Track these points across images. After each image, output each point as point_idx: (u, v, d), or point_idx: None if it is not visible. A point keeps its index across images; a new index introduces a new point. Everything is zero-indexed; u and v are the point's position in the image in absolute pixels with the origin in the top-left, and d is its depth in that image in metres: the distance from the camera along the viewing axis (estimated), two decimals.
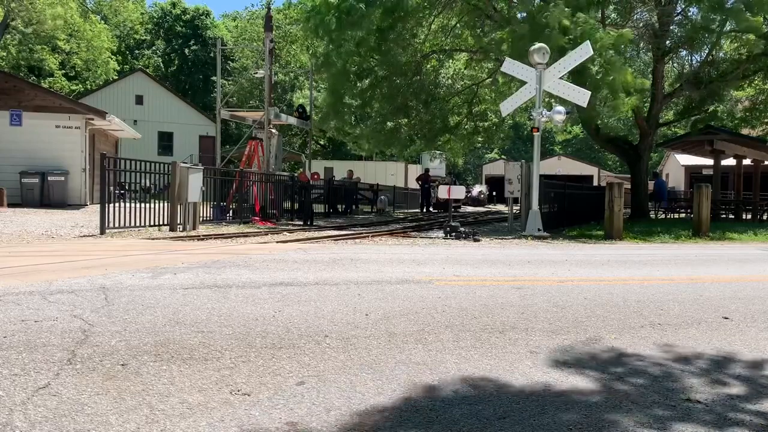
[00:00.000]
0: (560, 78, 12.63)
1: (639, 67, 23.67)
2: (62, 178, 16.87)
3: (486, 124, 23.23)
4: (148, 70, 43.06)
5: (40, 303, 4.18)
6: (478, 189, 41.15)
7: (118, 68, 45.60)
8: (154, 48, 54.26)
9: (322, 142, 45.41)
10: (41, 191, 16.64)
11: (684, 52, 20.97)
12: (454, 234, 11.92)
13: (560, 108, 12.85)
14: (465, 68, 23.01)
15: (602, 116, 13.97)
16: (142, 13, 52.54)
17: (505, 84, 15.86)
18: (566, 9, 12.96)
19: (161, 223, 11.45)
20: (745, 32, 15.32)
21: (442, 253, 8.56)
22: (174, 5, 55.28)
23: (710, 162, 23.70)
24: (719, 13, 15.56)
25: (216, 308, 4.27)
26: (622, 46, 14.07)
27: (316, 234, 12.08)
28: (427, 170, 28.90)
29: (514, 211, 14.80)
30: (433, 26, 20.06)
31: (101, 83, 39.66)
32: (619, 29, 17.61)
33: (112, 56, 43.90)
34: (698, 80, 18.37)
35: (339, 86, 18.12)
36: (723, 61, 19.28)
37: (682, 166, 37.59)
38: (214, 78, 33.47)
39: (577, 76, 13.23)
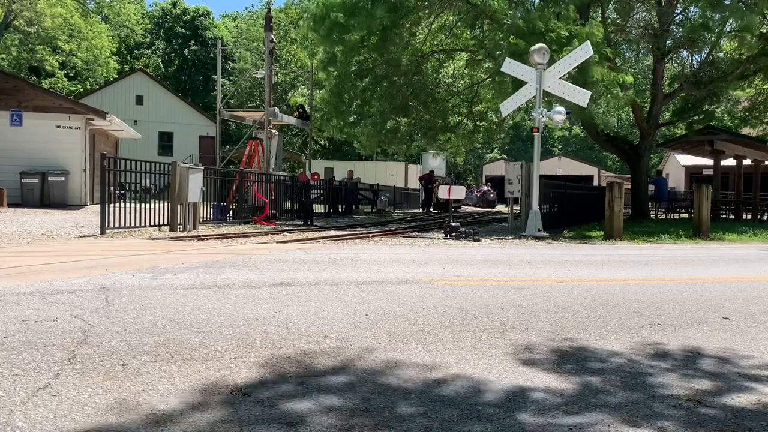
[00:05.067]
0: (560, 78, 12.64)
1: (640, 68, 23.70)
2: (62, 179, 16.87)
3: (486, 123, 23.22)
4: (148, 71, 43.05)
5: (41, 303, 4.18)
6: (486, 188, 39.21)
7: (118, 68, 45.59)
8: (154, 48, 54.25)
9: (322, 142, 45.41)
10: (41, 191, 16.64)
11: (684, 53, 20.98)
12: (454, 234, 11.92)
13: (560, 108, 12.82)
14: (465, 68, 22.99)
15: (600, 113, 13.91)
16: (142, 14, 52.53)
17: (503, 83, 15.85)
18: (551, 18, 13.00)
19: (161, 223, 11.45)
20: (744, 31, 15.31)
21: (442, 254, 8.55)
22: (174, 5, 55.28)
23: (710, 162, 23.69)
24: (718, 10, 15.55)
25: (216, 308, 4.27)
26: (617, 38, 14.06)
27: (316, 234, 12.07)
28: (431, 171, 28.89)
29: (514, 211, 14.79)
30: (433, 26, 20.07)
31: (101, 83, 39.67)
32: (618, 29, 17.63)
33: (112, 56, 43.89)
34: (698, 80, 18.36)
35: (341, 86, 18.12)
36: (723, 61, 19.27)
37: (682, 166, 37.60)
38: (214, 77, 33.46)
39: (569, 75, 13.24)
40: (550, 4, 14.39)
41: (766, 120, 21.15)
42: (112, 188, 10.85)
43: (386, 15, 15.34)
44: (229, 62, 45.33)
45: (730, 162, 24.03)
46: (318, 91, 25.96)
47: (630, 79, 14.52)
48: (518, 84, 13.15)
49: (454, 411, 2.55)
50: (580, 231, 14.58)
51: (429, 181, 26.57)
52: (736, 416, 2.60)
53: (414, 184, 35.43)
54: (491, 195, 37.33)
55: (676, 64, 22.22)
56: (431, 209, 26.08)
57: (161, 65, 53.16)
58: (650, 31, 18.27)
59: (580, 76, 13.14)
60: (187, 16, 54.93)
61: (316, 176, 20.53)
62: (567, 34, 12.87)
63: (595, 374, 3.13)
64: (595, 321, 4.32)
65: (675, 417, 2.57)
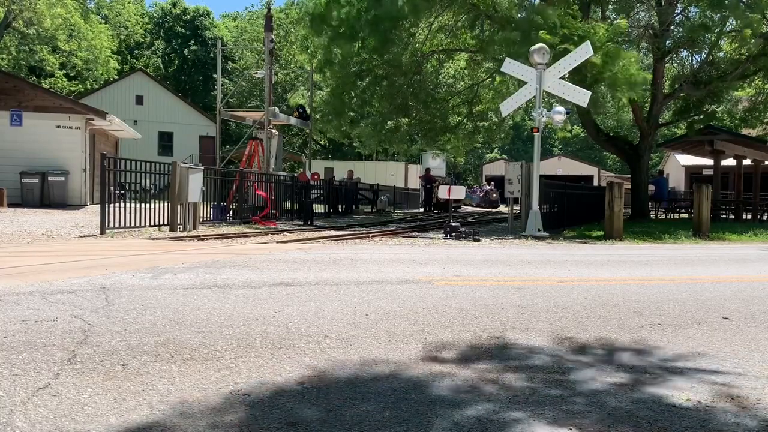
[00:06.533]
0: (560, 78, 12.64)
1: (640, 67, 23.67)
2: (62, 179, 16.88)
3: (486, 124, 23.22)
4: (148, 70, 43.04)
5: (41, 303, 4.18)
6: (488, 188, 37.55)
7: (118, 68, 45.58)
8: (154, 48, 54.23)
9: (322, 142, 45.41)
10: (41, 191, 16.65)
11: (684, 53, 20.98)
12: (454, 234, 11.92)
13: (560, 108, 12.84)
14: (465, 68, 22.99)
15: (603, 109, 13.98)
16: (142, 14, 52.49)
17: (503, 83, 15.86)
18: (552, 15, 13.02)
19: (161, 223, 11.45)
20: (744, 31, 15.33)
21: (442, 254, 8.55)
22: (174, 5, 55.26)
23: (710, 162, 23.70)
24: (718, 10, 15.56)
25: (216, 308, 4.27)
26: (619, 38, 14.10)
27: (316, 234, 12.07)
28: (428, 170, 28.88)
29: (514, 211, 14.80)
30: (433, 26, 20.07)
31: (101, 83, 39.66)
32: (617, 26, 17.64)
33: (112, 56, 43.88)
34: (698, 80, 18.36)
35: (340, 87, 18.14)
36: (723, 61, 19.27)
37: (682, 166, 37.61)
38: (214, 77, 33.44)
39: (575, 72, 13.21)
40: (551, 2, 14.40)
41: (766, 120, 21.15)
42: (112, 188, 10.85)
43: (386, 20, 15.40)
44: (229, 62, 45.30)
45: (730, 162, 24.04)
46: (318, 91, 25.98)
47: (649, 76, 14.63)
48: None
49: (455, 410, 2.55)
50: (580, 231, 14.58)
51: (427, 180, 26.56)
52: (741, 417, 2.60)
53: (414, 184, 35.43)
54: (494, 195, 35.92)
55: (676, 64, 22.22)
56: (432, 209, 26.07)
57: (161, 65, 53.14)
58: (650, 31, 18.27)
59: (608, 65, 13.06)
60: (187, 16, 54.89)
61: (316, 176, 20.53)
62: (580, 33, 12.89)
63: (597, 373, 3.13)
64: (595, 321, 4.32)
65: (676, 416, 2.57)
